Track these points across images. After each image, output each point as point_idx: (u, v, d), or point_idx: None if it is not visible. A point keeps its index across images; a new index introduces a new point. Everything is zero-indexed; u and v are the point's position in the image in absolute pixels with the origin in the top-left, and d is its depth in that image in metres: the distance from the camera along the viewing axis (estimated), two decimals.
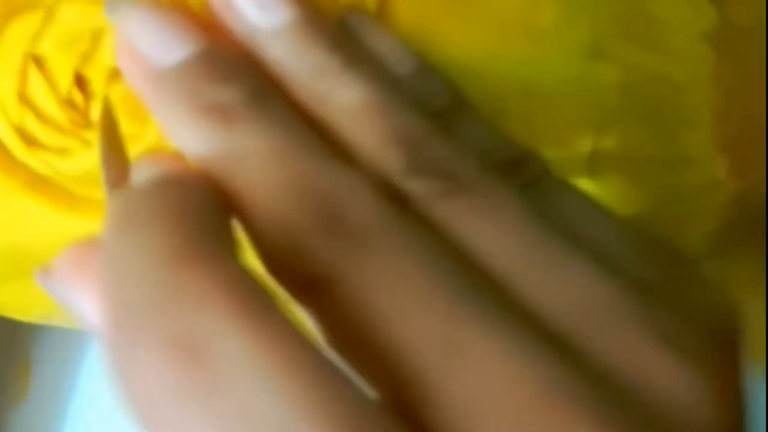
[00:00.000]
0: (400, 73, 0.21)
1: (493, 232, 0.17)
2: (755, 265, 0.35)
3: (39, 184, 0.23)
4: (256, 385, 0.13)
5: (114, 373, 0.15)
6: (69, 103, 0.22)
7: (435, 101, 0.20)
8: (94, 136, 0.22)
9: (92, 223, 0.23)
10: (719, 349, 0.17)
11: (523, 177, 0.19)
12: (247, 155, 0.17)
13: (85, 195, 0.23)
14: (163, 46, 0.19)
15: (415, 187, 0.18)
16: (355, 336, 0.16)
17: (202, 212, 0.16)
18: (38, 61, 0.22)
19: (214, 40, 0.19)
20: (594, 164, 0.25)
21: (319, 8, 0.20)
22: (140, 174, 0.19)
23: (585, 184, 0.25)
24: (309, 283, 0.16)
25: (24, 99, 0.22)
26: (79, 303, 0.18)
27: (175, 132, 0.18)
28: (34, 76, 0.22)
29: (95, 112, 0.22)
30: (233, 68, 0.19)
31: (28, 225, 0.23)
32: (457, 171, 0.18)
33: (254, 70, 0.19)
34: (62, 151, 0.23)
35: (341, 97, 0.19)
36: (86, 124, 0.23)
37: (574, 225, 0.18)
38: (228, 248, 0.16)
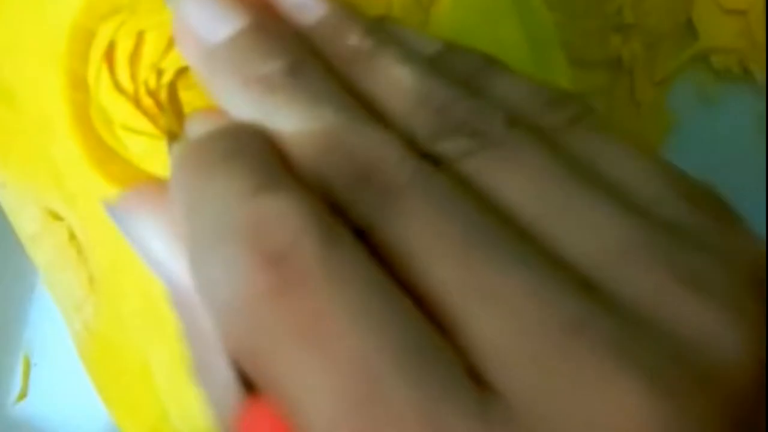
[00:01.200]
0: (429, 52, 0.22)
1: (519, 184, 0.18)
2: None
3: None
4: (330, 291, 0.16)
5: (197, 282, 0.17)
6: (151, 94, 0.25)
7: (465, 68, 0.21)
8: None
9: None
10: (754, 297, 0.17)
11: (564, 115, 0.19)
12: (289, 120, 0.19)
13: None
14: (212, 24, 0.21)
15: (444, 149, 0.18)
16: (397, 280, 0.17)
17: (266, 155, 0.18)
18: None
19: (260, 14, 0.21)
20: None
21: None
22: (195, 127, 0.21)
23: None
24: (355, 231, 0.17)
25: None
26: (143, 234, 0.20)
27: (227, 102, 0.20)
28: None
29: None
30: (276, 42, 0.20)
31: None
32: (483, 128, 0.19)
33: (296, 42, 0.21)
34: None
35: (374, 75, 0.20)
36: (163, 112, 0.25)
37: (608, 167, 0.19)
38: (294, 182, 0.18)
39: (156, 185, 0.20)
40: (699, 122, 0.39)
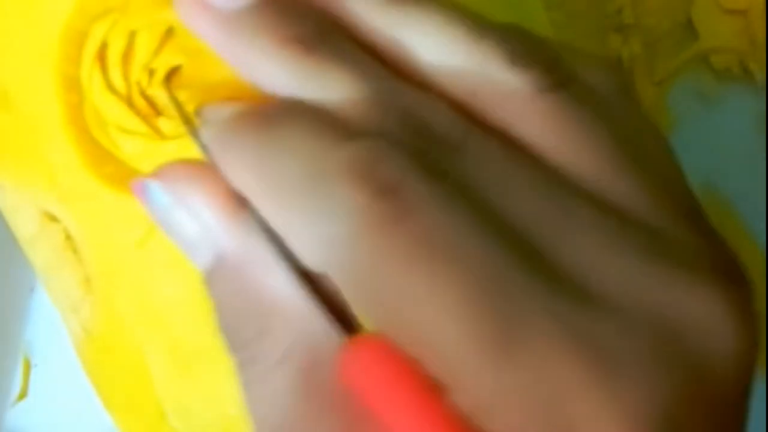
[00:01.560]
0: None
1: (576, 129, 0.18)
2: None
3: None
4: (440, 213, 0.17)
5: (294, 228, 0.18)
6: (143, 94, 0.25)
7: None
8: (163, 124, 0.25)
9: None
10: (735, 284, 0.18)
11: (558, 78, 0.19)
12: (333, 79, 0.19)
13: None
14: None
15: (520, 78, 0.19)
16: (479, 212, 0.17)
17: (326, 114, 0.18)
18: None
19: None
20: None
21: None
22: (221, 112, 0.20)
23: None
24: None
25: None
26: (192, 203, 0.20)
27: (257, 67, 0.20)
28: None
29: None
30: (300, 9, 0.20)
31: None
32: (553, 65, 0.19)
33: (315, 11, 0.20)
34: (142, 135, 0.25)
35: (417, 20, 0.19)
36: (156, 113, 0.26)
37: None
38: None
39: (188, 162, 0.20)
40: (699, 122, 0.39)
